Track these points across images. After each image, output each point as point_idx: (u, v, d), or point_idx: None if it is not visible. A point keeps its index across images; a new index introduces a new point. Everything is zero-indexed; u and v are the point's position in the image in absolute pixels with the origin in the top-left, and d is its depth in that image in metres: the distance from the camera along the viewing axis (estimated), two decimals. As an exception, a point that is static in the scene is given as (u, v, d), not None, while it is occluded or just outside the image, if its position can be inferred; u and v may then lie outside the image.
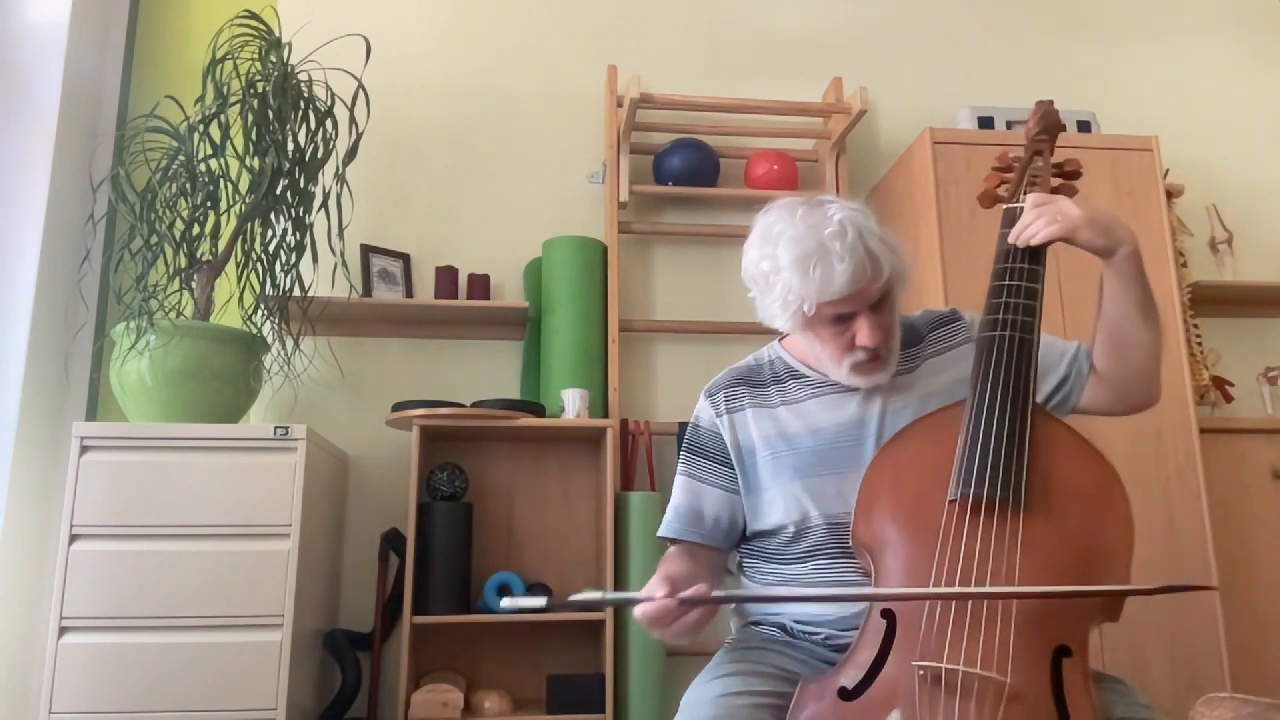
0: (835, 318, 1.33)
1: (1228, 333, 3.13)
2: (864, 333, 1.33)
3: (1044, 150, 1.50)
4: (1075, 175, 1.50)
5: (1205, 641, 2.42)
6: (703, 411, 1.50)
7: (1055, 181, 1.48)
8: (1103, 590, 1.16)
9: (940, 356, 1.45)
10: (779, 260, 1.32)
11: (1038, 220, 1.32)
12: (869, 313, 1.33)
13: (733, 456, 1.45)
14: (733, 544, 1.48)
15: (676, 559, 1.42)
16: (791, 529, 1.39)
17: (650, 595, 1.17)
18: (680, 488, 1.49)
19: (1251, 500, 2.67)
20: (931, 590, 1.15)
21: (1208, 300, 3.02)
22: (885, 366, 1.37)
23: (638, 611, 1.19)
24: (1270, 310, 3.17)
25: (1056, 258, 2.39)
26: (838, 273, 1.28)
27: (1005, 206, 1.46)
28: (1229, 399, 2.96)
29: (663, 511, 1.50)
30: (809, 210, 1.34)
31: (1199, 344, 2.93)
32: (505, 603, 1.32)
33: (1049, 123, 1.51)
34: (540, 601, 1.24)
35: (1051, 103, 1.53)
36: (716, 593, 1.20)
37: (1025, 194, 1.44)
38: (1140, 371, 1.39)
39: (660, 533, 1.49)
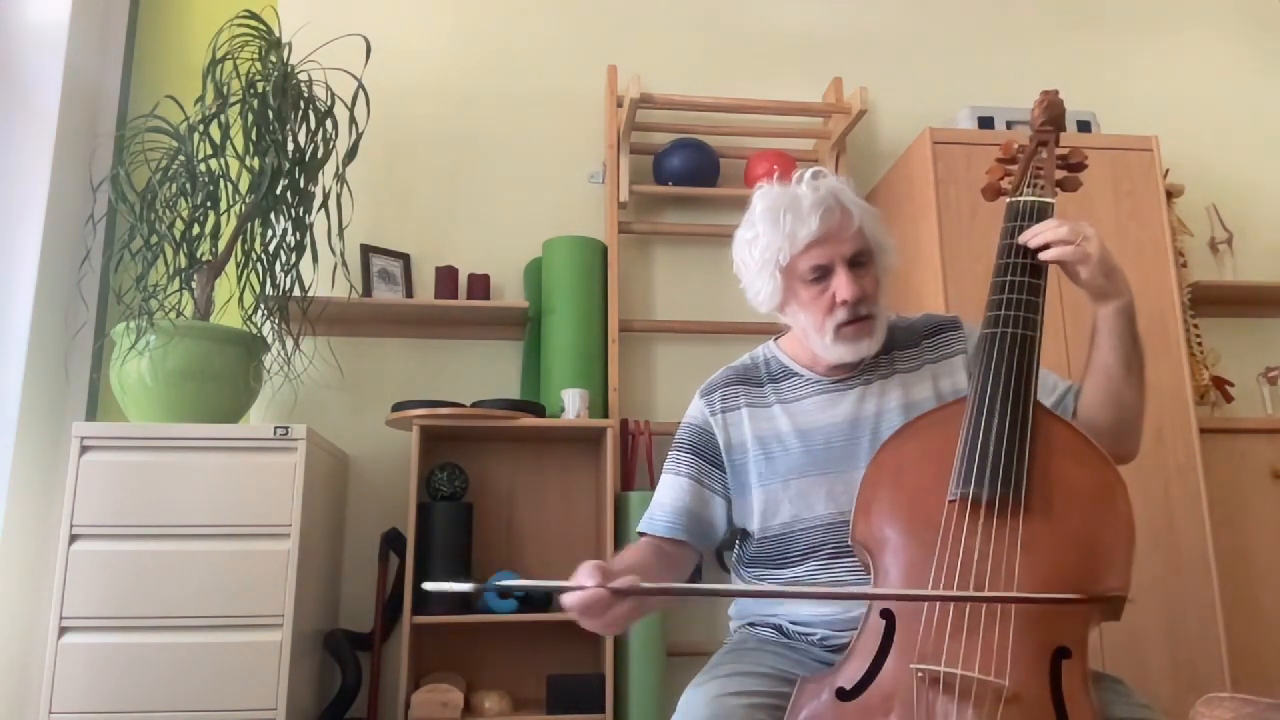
0: (813, 274, 1.35)
1: (1228, 333, 3.13)
2: (842, 286, 1.34)
3: (1049, 141, 1.47)
4: (1080, 167, 1.47)
5: (1205, 641, 2.41)
6: (697, 411, 1.50)
7: (1060, 174, 1.45)
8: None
9: (939, 364, 1.44)
10: (755, 223, 1.38)
11: (1058, 230, 1.29)
12: (846, 267, 1.35)
13: (724, 457, 1.45)
14: (707, 546, 1.48)
15: (635, 550, 1.41)
16: (784, 530, 1.38)
17: (580, 584, 1.13)
18: (668, 485, 1.47)
19: (1251, 500, 2.66)
20: (910, 592, 1.14)
21: (1208, 300, 3.02)
22: (871, 334, 1.37)
23: (566, 600, 1.15)
24: (1270, 310, 3.17)
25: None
26: (805, 212, 1.32)
27: (1009, 200, 1.43)
28: (1229, 399, 2.96)
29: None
30: (786, 180, 1.41)
31: (1199, 344, 2.93)
32: (428, 585, 1.22)
33: (1054, 113, 1.48)
34: (465, 586, 1.19)
35: (1056, 92, 1.50)
36: (646, 584, 1.17)
37: (1029, 186, 1.42)
38: (1118, 426, 1.36)
39: (642, 528, 1.46)
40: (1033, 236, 1.32)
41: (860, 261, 1.37)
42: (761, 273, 1.37)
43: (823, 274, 1.35)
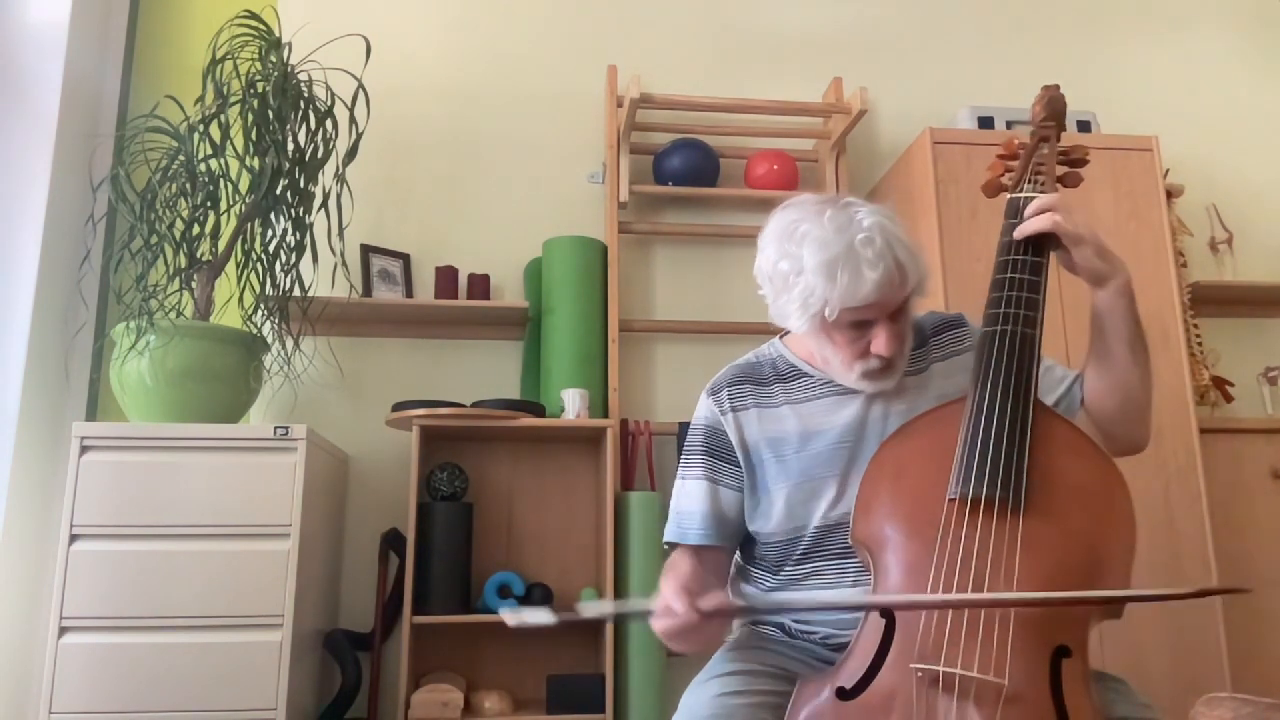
0: (853, 324, 1.31)
1: (1228, 333, 3.13)
2: (880, 341, 1.31)
3: (1050, 137, 1.46)
4: (1081, 163, 1.46)
5: (1205, 641, 2.42)
6: (706, 410, 1.46)
7: (1061, 169, 1.44)
8: (1110, 596, 1.14)
9: (946, 362, 1.44)
10: (803, 262, 1.29)
11: (1048, 204, 1.31)
12: (887, 321, 1.31)
13: (738, 454, 1.42)
14: (738, 544, 1.47)
15: (684, 562, 1.37)
16: (790, 532, 1.38)
17: (669, 607, 1.15)
18: (692, 491, 1.43)
19: (1251, 500, 2.66)
20: (965, 597, 1.13)
21: (1208, 300, 3.02)
22: (894, 373, 1.36)
23: (658, 626, 1.16)
24: (1270, 310, 3.17)
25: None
26: (866, 280, 1.26)
27: (1009, 196, 1.42)
28: (1229, 399, 2.96)
29: (663, 511, 1.47)
30: (836, 212, 1.31)
31: (1199, 344, 2.93)
32: (508, 617, 1.16)
33: (1055, 108, 1.47)
34: (548, 617, 1.14)
35: (1057, 87, 1.49)
36: (737, 601, 1.18)
37: (1029, 182, 1.42)
38: (1127, 413, 1.36)
39: (674, 538, 1.42)
40: (1023, 230, 1.32)
41: (899, 310, 1.33)
42: (800, 311, 1.31)
43: (863, 324, 1.32)
